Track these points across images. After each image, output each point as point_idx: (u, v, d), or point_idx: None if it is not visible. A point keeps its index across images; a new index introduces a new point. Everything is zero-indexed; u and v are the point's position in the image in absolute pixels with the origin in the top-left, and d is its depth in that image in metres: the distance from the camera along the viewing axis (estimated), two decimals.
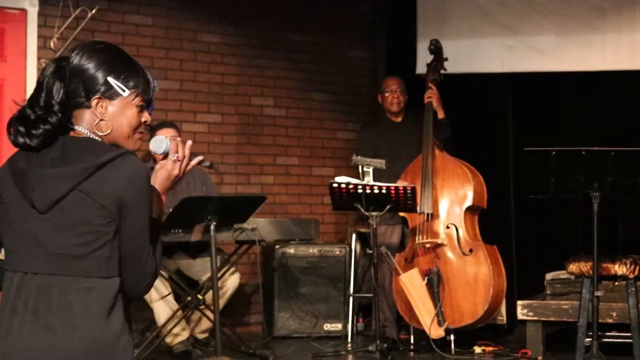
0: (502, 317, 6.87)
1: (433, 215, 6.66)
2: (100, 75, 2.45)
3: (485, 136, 8.00)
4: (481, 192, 6.76)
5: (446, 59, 7.16)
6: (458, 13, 7.95)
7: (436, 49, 7.15)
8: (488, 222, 6.98)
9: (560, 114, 7.76)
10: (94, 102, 2.46)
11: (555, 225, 7.60)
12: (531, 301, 6.45)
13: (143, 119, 2.53)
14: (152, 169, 2.62)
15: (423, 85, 7.07)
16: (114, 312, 2.38)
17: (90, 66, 2.46)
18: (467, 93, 7.94)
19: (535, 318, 6.38)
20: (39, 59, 6.88)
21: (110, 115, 2.47)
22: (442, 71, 7.14)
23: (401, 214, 6.75)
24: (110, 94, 2.46)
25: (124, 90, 2.47)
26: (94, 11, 6.83)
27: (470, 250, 6.56)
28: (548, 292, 6.75)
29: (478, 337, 6.73)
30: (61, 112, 2.46)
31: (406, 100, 7.21)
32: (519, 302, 6.45)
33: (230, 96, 7.73)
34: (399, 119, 7.23)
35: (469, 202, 6.68)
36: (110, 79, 2.45)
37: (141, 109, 2.52)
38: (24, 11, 7.01)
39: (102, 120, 2.47)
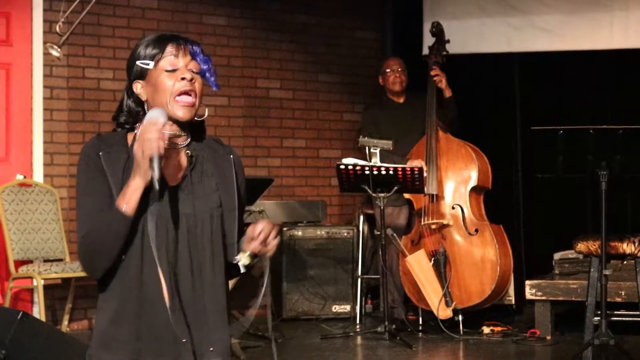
0: (511, 297, 6.84)
1: (438, 197, 6.63)
2: (130, 64, 2.58)
3: (492, 116, 7.96)
4: (486, 172, 6.73)
5: (448, 41, 7.11)
6: None
7: (437, 31, 7.10)
8: (496, 202, 6.95)
9: (568, 93, 7.70)
10: (134, 87, 2.56)
11: (563, 204, 7.57)
12: (539, 281, 6.42)
13: (174, 76, 2.49)
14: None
15: (427, 67, 7.03)
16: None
17: (127, 64, 2.60)
18: (473, 73, 7.89)
19: (543, 298, 6.35)
20: (44, 43, 6.86)
21: (147, 92, 2.53)
22: (445, 53, 7.09)
23: (407, 195, 6.72)
24: (140, 74, 2.54)
25: (147, 64, 2.51)
26: None
27: (476, 230, 6.54)
28: (556, 271, 6.72)
29: (486, 317, 6.72)
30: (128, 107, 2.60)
31: (407, 80, 7.16)
32: (527, 282, 6.42)
33: (236, 79, 7.70)
34: (401, 100, 7.19)
35: (473, 182, 6.65)
36: (137, 62, 2.54)
37: (172, 71, 2.50)
38: None
39: (145, 101, 2.55)
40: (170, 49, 2.52)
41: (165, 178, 2.47)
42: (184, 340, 2.46)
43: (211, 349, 2.50)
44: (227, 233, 2.54)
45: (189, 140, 2.57)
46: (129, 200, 2.38)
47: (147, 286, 2.44)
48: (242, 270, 2.53)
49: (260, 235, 2.46)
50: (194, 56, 2.52)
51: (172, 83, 2.49)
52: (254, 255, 2.51)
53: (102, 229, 2.40)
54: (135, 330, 2.45)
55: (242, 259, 2.51)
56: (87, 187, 2.46)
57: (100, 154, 2.48)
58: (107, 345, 2.47)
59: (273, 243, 2.48)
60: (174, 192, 2.49)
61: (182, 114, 2.49)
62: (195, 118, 2.55)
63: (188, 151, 2.55)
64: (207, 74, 2.53)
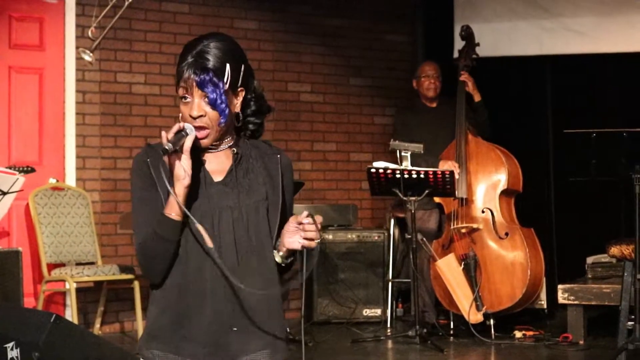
0: (542, 301, 6.81)
1: (468, 200, 6.62)
2: None
3: (524, 119, 7.93)
4: (516, 175, 6.71)
5: (478, 44, 7.10)
6: None
7: (467, 35, 7.10)
8: (528, 205, 6.92)
9: (600, 96, 7.66)
10: None
11: (596, 207, 7.52)
12: (572, 285, 6.38)
13: (187, 107, 2.56)
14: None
15: (457, 71, 7.03)
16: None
17: None
18: (505, 76, 7.87)
19: (576, 302, 6.31)
20: (77, 48, 6.92)
21: None
22: (475, 56, 7.08)
23: (437, 199, 6.72)
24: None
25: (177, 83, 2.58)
26: None
27: (507, 234, 6.52)
28: (589, 275, 6.68)
29: (518, 321, 6.69)
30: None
31: (441, 86, 7.16)
32: (560, 286, 6.39)
33: (267, 82, 7.72)
34: (434, 104, 7.18)
35: (503, 185, 6.64)
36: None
37: (185, 101, 2.56)
38: (62, 1, 7.05)
39: None
40: (184, 73, 2.56)
41: (212, 176, 2.57)
42: (235, 329, 2.53)
43: (258, 340, 2.56)
44: (270, 227, 2.60)
45: (233, 141, 2.63)
46: (173, 206, 2.48)
47: (194, 278, 2.53)
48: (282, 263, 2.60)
49: (302, 228, 2.51)
50: (201, 87, 2.52)
51: (186, 113, 2.56)
52: (286, 256, 2.58)
53: (155, 237, 2.50)
54: (180, 319, 2.54)
55: (276, 257, 2.59)
56: (140, 196, 2.57)
57: (149, 161, 2.55)
58: (154, 336, 2.57)
59: (311, 235, 2.51)
60: (219, 187, 2.57)
61: (200, 142, 2.55)
62: (237, 124, 2.62)
63: (234, 149, 2.62)
64: (218, 102, 2.52)
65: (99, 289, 6.86)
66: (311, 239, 2.50)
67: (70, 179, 7.00)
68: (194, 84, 2.52)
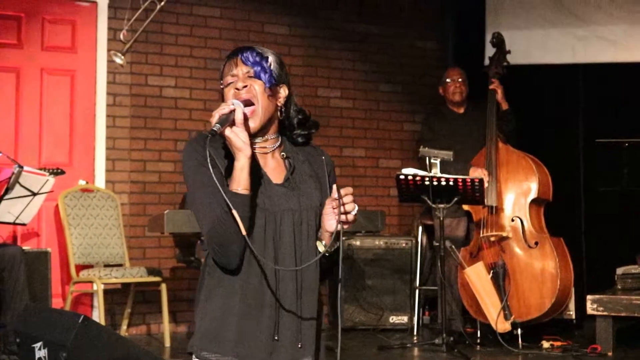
0: (571, 311, 6.77)
1: (498, 208, 6.59)
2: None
3: (555, 128, 7.89)
4: (546, 184, 6.68)
5: (509, 52, 7.07)
6: (528, 3, 7.85)
7: (498, 42, 7.07)
8: (557, 214, 6.88)
9: (633, 105, 7.61)
10: None
11: (627, 218, 7.46)
12: (601, 296, 6.34)
13: (227, 92, 2.62)
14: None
15: (487, 78, 7.01)
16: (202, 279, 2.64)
17: None
18: (536, 84, 7.84)
19: (605, 313, 6.27)
20: (108, 50, 6.97)
21: None
22: (506, 64, 7.05)
23: (465, 207, 6.70)
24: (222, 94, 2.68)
25: (221, 84, 2.65)
26: (162, 3, 6.88)
27: (536, 243, 6.49)
28: (619, 286, 6.62)
29: (546, 331, 6.65)
30: None
31: (467, 91, 7.14)
32: (589, 297, 6.34)
33: (297, 87, 7.64)
34: (461, 110, 7.16)
35: (533, 194, 6.60)
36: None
37: (229, 85, 2.62)
38: (94, 4, 7.11)
39: None
40: (226, 66, 2.65)
41: (269, 177, 2.61)
42: (276, 338, 2.55)
43: (300, 345, 2.59)
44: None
45: (279, 142, 2.67)
46: (239, 180, 2.47)
47: (251, 279, 2.55)
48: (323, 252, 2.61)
49: (335, 206, 2.52)
50: (245, 62, 2.61)
51: (231, 92, 2.61)
52: (330, 245, 2.58)
53: (226, 217, 2.46)
54: (238, 324, 2.55)
55: (319, 247, 2.61)
56: (200, 181, 2.53)
57: (207, 146, 2.55)
58: (209, 337, 2.57)
59: (347, 208, 2.52)
60: (280, 189, 2.60)
61: (248, 126, 2.56)
62: (280, 118, 2.66)
63: (283, 153, 2.66)
64: (262, 74, 2.59)
65: (126, 291, 6.90)
66: (347, 212, 2.52)
67: (100, 181, 7.05)
68: (239, 60, 2.61)
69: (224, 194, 2.43)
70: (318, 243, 2.60)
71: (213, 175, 2.43)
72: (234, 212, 2.43)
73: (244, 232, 2.43)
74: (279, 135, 2.68)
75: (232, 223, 2.45)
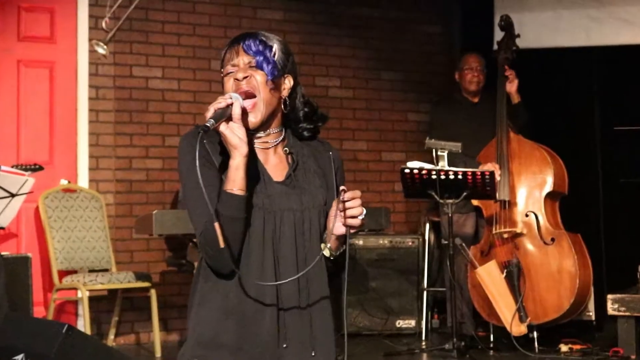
0: (590, 312, 6.75)
1: (510, 203, 6.57)
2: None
3: (569, 115, 7.87)
4: (562, 176, 6.65)
5: (518, 36, 7.05)
6: None
7: (506, 25, 7.05)
8: (574, 208, 6.86)
9: None
10: None
11: None
12: (623, 295, 6.32)
13: (227, 82, 2.59)
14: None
15: (496, 64, 6.99)
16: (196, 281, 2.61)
17: None
18: (547, 69, 7.82)
19: (627, 314, 6.25)
20: (90, 40, 6.96)
21: None
22: (515, 48, 7.03)
23: (475, 202, 6.67)
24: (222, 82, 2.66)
25: (221, 72, 2.63)
26: None
27: (553, 240, 6.46)
28: None
29: (564, 334, 6.64)
30: None
31: (484, 80, 7.12)
32: (609, 296, 6.33)
33: None
34: (476, 100, 7.14)
35: (548, 187, 6.58)
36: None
37: (229, 74, 2.60)
38: None
39: None
40: (227, 53, 2.62)
41: (270, 174, 2.58)
42: (284, 345, 2.54)
43: (313, 353, 2.59)
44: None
45: (282, 136, 2.65)
46: (234, 180, 2.45)
47: (249, 283, 2.52)
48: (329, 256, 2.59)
49: (341, 208, 2.50)
50: (247, 51, 2.58)
51: (231, 83, 2.59)
52: (335, 248, 2.57)
53: (221, 219, 2.44)
54: (236, 329, 2.52)
55: (325, 251, 2.58)
56: (194, 181, 2.47)
57: (205, 141, 2.53)
58: (204, 343, 2.54)
59: (353, 212, 2.50)
60: (281, 187, 2.58)
61: (248, 121, 2.54)
62: (284, 110, 2.63)
63: (286, 148, 2.64)
64: (264, 64, 2.56)
65: (113, 298, 6.88)
66: (354, 216, 2.49)
67: (83, 180, 7.03)
68: (241, 49, 2.58)
69: (208, 202, 2.39)
70: (323, 245, 2.57)
71: (200, 178, 2.39)
72: (216, 224, 2.40)
73: (221, 245, 2.39)
74: (283, 128, 2.66)
75: (229, 226, 2.44)
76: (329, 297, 2.63)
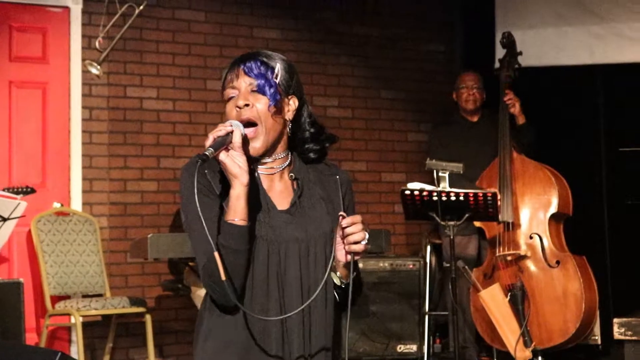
0: (596, 336, 6.74)
1: (514, 225, 6.56)
2: None
3: (573, 135, 7.87)
4: (566, 197, 6.65)
5: (520, 53, 7.06)
6: None
7: (508, 42, 7.06)
8: (578, 230, 6.85)
9: None
10: None
11: None
12: (629, 319, 6.29)
13: (228, 107, 2.59)
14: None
15: (499, 82, 7.00)
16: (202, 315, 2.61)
17: None
18: (551, 88, 7.82)
19: (634, 338, 6.23)
20: (83, 60, 6.96)
21: None
22: (517, 66, 7.04)
23: (477, 223, 6.67)
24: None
25: (222, 96, 2.63)
26: (141, 7, 6.87)
27: (557, 262, 6.45)
28: None
29: (570, 359, 6.61)
30: None
31: (483, 98, 7.12)
32: (616, 320, 6.30)
33: None
34: (475, 119, 7.14)
35: (553, 208, 6.57)
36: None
37: (230, 99, 2.59)
38: (66, 9, 7.09)
39: None
40: (228, 74, 2.60)
41: (274, 202, 2.57)
42: None
43: None
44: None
45: (288, 161, 2.64)
46: (235, 210, 2.44)
47: (255, 311, 2.52)
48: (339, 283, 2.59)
49: (345, 234, 2.49)
50: (249, 72, 2.57)
51: (232, 108, 2.58)
52: (345, 275, 2.56)
53: (222, 251, 2.44)
54: (240, 354, 2.53)
55: (334, 279, 2.58)
56: (195, 212, 2.46)
57: (206, 171, 2.53)
58: None
59: (354, 238, 2.49)
60: (285, 216, 2.57)
61: (250, 148, 2.53)
62: (289, 133, 2.64)
63: (292, 174, 2.63)
64: (266, 88, 2.54)
65: (107, 324, 6.85)
66: (356, 242, 2.48)
67: (76, 203, 7.01)
68: (242, 71, 2.56)
69: (208, 236, 2.39)
70: (333, 275, 2.56)
71: (200, 211, 2.39)
72: (216, 254, 2.40)
73: (223, 278, 2.39)
74: (289, 152, 2.65)
75: (231, 257, 2.44)
76: (332, 324, 2.63)
